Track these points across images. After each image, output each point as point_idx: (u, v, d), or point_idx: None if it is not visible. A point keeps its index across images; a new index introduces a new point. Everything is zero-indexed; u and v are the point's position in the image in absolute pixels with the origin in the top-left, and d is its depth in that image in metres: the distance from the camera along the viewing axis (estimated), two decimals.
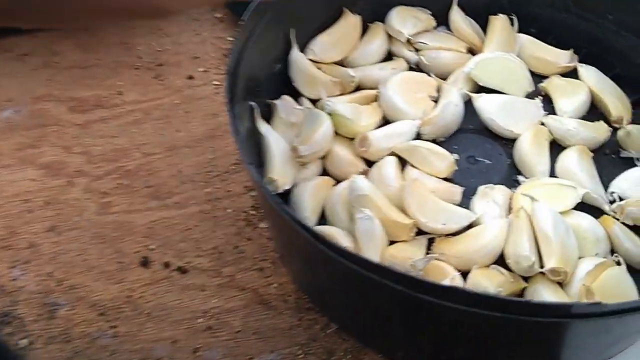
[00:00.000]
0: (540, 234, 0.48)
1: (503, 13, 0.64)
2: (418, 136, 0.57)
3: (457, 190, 0.54)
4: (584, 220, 0.50)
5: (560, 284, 0.48)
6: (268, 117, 0.58)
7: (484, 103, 0.59)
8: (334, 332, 0.51)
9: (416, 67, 0.65)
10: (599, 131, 0.57)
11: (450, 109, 0.57)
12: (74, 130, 0.65)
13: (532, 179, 0.54)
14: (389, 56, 0.65)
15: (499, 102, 0.59)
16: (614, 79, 0.62)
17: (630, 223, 0.51)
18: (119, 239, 0.57)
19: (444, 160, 0.55)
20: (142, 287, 0.54)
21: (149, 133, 0.65)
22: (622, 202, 0.52)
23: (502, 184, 0.55)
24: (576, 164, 0.54)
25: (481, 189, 0.53)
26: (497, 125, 0.58)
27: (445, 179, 0.55)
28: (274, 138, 0.54)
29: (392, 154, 0.55)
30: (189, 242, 0.56)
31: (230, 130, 0.45)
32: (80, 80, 0.69)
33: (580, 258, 0.49)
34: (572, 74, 0.63)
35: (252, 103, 0.54)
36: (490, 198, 0.52)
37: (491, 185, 0.53)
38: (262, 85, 0.57)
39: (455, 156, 0.56)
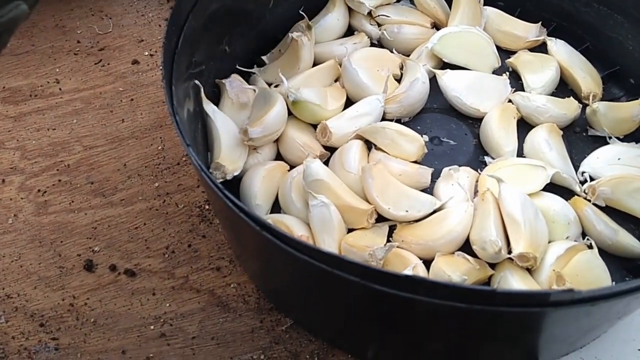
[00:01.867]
0: (507, 217, 0.45)
1: None
2: (382, 116, 0.53)
3: (426, 173, 0.50)
4: (554, 202, 0.47)
5: (529, 270, 0.45)
6: (217, 98, 0.54)
7: (449, 80, 0.55)
8: (298, 333, 0.47)
9: (378, 43, 0.61)
10: (569, 108, 0.54)
11: (417, 87, 0.54)
12: (7, 124, 0.59)
13: (499, 160, 0.51)
14: (349, 31, 0.61)
15: (465, 80, 0.55)
16: (584, 53, 0.59)
17: (602, 204, 0.48)
18: (59, 242, 0.52)
19: (414, 142, 0.51)
20: (86, 294, 0.49)
21: (90, 124, 0.59)
22: (594, 182, 0.49)
23: (469, 166, 0.51)
24: (545, 143, 0.51)
25: (445, 171, 0.50)
26: (463, 103, 0.54)
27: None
28: (222, 120, 0.50)
29: (358, 137, 0.51)
30: (137, 242, 0.52)
31: (169, 109, 0.41)
32: (12, 69, 0.64)
33: (550, 242, 0.46)
34: (541, 48, 0.60)
35: (197, 82, 0.50)
36: (455, 180, 0.49)
37: (456, 166, 0.50)
38: (209, 65, 0.52)
39: (425, 138, 0.52)
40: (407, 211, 0.47)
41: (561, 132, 0.53)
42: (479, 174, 0.50)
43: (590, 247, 0.45)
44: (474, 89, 0.55)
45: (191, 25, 0.48)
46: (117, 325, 0.48)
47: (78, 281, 0.50)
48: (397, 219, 0.47)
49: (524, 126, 0.54)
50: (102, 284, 0.50)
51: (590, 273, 0.44)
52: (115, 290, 0.49)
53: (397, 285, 0.33)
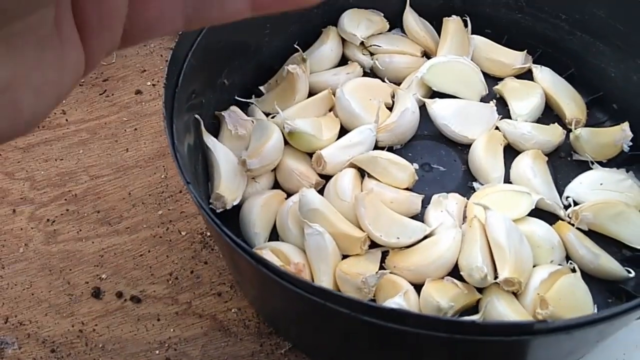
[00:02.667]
0: (493, 243, 0.47)
1: (457, 14, 0.63)
2: (375, 144, 0.56)
3: (416, 200, 0.53)
4: (538, 227, 0.49)
5: (515, 294, 0.47)
6: (217, 130, 0.56)
7: (437, 109, 0.57)
8: (297, 356, 0.49)
9: (370, 72, 0.64)
10: (554, 134, 0.57)
11: (407, 116, 0.56)
12: (16, 155, 0.62)
13: (485, 186, 0.53)
14: (343, 61, 0.64)
15: (453, 107, 0.58)
16: (568, 79, 0.61)
17: (585, 228, 0.51)
18: (68, 270, 0.54)
19: (405, 170, 0.53)
20: (94, 320, 0.51)
21: (96, 154, 0.62)
22: (577, 207, 0.51)
23: (458, 192, 0.54)
24: (530, 169, 0.53)
25: (435, 198, 0.52)
26: (452, 131, 0.57)
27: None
28: (222, 152, 0.53)
29: (352, 165, 0.54)
30: (142, 269, 0.54)
31: (170, 148, 0.44)
32: None
33: (535, 266, 0.48)
34: (527, 75, 0.62)
35: (197, 116, 0.52)
36: (444, 207, 0.51)
37: (444, 194, 0.52)
38: (208, 97, 0.55)
39: (415, 166, 0.55)
40: (398, 238, 0.49)
41: (546, 158, 0.55)
42: (467, 200, 0.52)
43: (573, 270, 0.48)
44: (462, 117, 0.57)
45: (191, 63, 0.51)
46: (124, 350, 0.50)
47: (87, 308, 0.52)
48: (389, 245, 0.49)
49: (511, 152, 0.56)
50: (109, 311, 0.52)
51: (573, 296, 0.46)
52: (122, 316, 0.52)
53: (382, 317, 0.35)
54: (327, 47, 0.62)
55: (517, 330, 0.34)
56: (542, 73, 0.61)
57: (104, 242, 0.56)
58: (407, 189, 0.54)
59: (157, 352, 0.50)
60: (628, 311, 0.36)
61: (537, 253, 0.48)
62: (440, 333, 0.35)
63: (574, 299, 0.46)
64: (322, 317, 0.41)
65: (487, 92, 0.61)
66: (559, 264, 0.49)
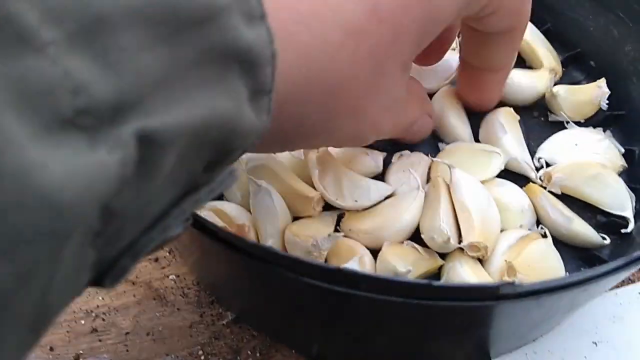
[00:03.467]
0: (458, 205, 0.43)
1: None
2: None
3: (377, 158, 0.48)
4: (507, 189, 0.45)
5: (481, 261, 0.43)
6: None
7: None
8: (240, 328, 0.44)
9: None
10: (541, 78, 0.52)
11: None
12: None
13: (451, 145, 0.49)
14: None
15: None
16: (544, 34, 0.57)
17: (558, 192, 0.47)
18: None
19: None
20: None
21: None
22: (549, 169, 0.47)
23: (422, 151, 0.49)
24: (500, 126, 0.49)
25: (396, 156, 0.47)
26: None
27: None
28: None
29: None
30: None
31: None
32: None
33: (502, 231, 0.44)
34: None
35: None
36: (407, 166, 0.46)
37: (407, 151, 0.47)
38: None
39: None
40: (356, 201, 0.44)
41: (518, 117, 0.51)
42: (432, 159, 0.48)
43: (544, 236, 0.44)
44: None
45: None
46: None
47: None
48: (346, 208, 0.45)
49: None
50: None
51: (543, 263, 0.42)
52: None
53: (332, 280, 0.31)
54: None
55: (480, 294, 0.30)
56: None
57: None
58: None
59: (82, 322, 0.44)
60: (604, 275, 0.32)
61: (505, 217, 0.44)
62: (393, 297, 0.30)
63: (544, 266, 0.42)
64: (266, 284, 0.36)
65: (457, 46, 0.56)
66: (529, 229, 0.45)
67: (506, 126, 0.49)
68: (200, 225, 0.32)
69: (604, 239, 0.45)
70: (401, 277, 0.38)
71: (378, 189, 0.45)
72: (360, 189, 0.45)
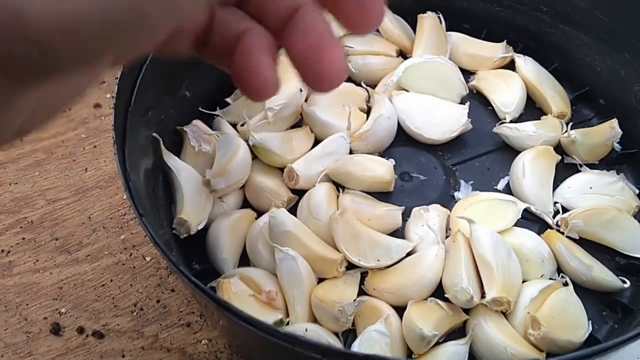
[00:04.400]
0: (479, 259, 0.44)
1: (432, 9, 0.60)
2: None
3: (396, 214, 0.49)
4: (527, 239, 0.46)
5: (504, 314, 0.44)
6: (179, 147, 0.52)
7: (400, 102, 0.54)
8: None
9: None
10: (555, 129, 0.53)
11: (382, 123, 0.53)
12: None
13: (467, 196, 0.50)
14: None
15: (419, 103, 0.54)
16: (552, 74, 0.58)
17: (576, 236, 0.48)
18: (24, 305, 0.50)
19: (383, 164, 0.50)
20: (54, 359, 0.48)
21: (53, 175, 0.57)
22: (566, 215, 0.48)
23: (439, 202, 0.50)
24: (521, 168, 0.50)
25: (415, 210, 0.49)
26: (407, 126, 0.53)
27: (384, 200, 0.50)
28: (184, 172, 0.49)
29: (327, 179, 0.50)
30: (105, 300, 0.50)
31: (120, 177, 0.40)
32: None
33: (524, 281, 0.45)
34: (509, 68, 0.59)
35: (155, 135, 0.48)
36: (425, 221, 0.48)
37: (425, 206, 0.48)
38: (168, 111, 0.51)
39: (392, 161, 0.51)
40: (378, 260, 0.46)
41: (558, 157, 0.51)
42: (449, 212, 0.49)
43: (565, 284, 0.44)
44: (425, 113, 0.54)
45: (145, 76, 0.47)
46: None
47: (45, 346, 0.48)
48: (369, 268, 0.46)
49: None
50: (70, 348, 0.48)
51: (566, 313, 0.43)
52: (83, 353, 0.48)
53: None
54: None
55: None
56: (526, 63, 0.57)
57: (62, 273, 0.52)
58: (386, 198, 0.50)
59: None
60: (633, 339, 0.32)
61: (526, 267, 0.45)
62: None
63: (567, 315, 0.42)
64: (292, 358, 0.37)
65: (468, 91, 0.57)
66: (550, 278, 0.46)
67: (527, 168, 0.50)
68: (229, 309, 0.34)
69: (623, 282, 0.46)
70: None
71: (399, 246, 0.47)
72: (381, 248, 0.46)
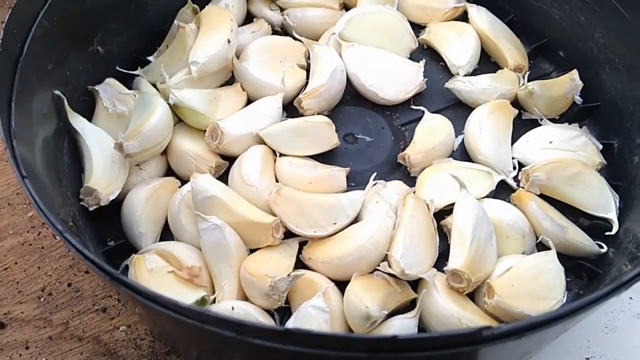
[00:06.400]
0: (456, 228, 0.38)
1: None
2: (297, 115, 0.47)
3: (340, 175, 0.43)
4: (506, 213, 0.41)
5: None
6: (92, 110, 0.46)
7: (351, 55, 0.48)
8: None
9: (281, 30, 0.54)
10: (512, 82, 0.48)
11: (338, 77, 0.47)
12: None
13: (438, 162, 0.44)
14: (248, 18, 0.54)
15: (372, 58, 0.49)
16: (508, 26, 0.53)
17: (537, 192, 0.43)
18: None
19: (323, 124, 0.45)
20: None
21: None
22: (527, 168, 0.43)
23: (387, 164, 0.45)
24: (477, 123, 0.46)
25: (369, 188, 0.42)
26: (361, 84, 0.48)
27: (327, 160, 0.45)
28: (93, 135, 0.43)
29: (260, 141, 0.44)
30: (7, 285, 0.44)
31: (3, 141, 0.33)
32: None
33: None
34: (463, 20, 0.54)
35: (57, 92, 0.42)
36: (381, 198, 0.41)
37: (383, 182, 0.42)
38: (76, 69, 0.44)
39: (328, 120, 0.46)
40: (334, 224, 0.40)
41: (515, 112, 0.47)
42: (412, 189, 0.43)
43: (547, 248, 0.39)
44: (379, 70, 0.48)
45: (42, 25, 0.40)
46: None
47: None
48: (307, 237, 0.40)
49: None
50: None
51: (534, 281, 0.37)
52: None
53: (272, 338, 0.26)
54: (226, 2, 0.52)
55: (462, 340, 0.26)
56: (480, 14, 0.52)
57: None
58: (330, 156, 0.45)
59: None
60: (593, 303, 0.28)
61: (505, 244, 0.40)
62: (358, 353, 0.26)
63: (534, 284, 0.37)
64: (205, 341, 0.32)
65: (417, 45, 0.52)
66: (530, 253, 0.40)
67: (484, 123, 0.45)
68: (129, 286, 0.28)
69: (600, 246, 0.41)
70: (368, 335, 0.33)
71: (351, 201, 0.41)
72: (332, 210, 0.40)
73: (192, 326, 0.27)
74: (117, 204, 0.42)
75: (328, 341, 0.26)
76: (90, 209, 0.41)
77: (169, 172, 0.45)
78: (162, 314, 0.28)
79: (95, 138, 0.43)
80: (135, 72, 0.49)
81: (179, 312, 0.27)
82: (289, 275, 0.37)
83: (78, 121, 0.43)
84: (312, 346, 0.26)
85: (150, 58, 0.50)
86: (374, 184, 0.42)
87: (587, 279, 0.41)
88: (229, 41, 0.46)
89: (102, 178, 0.41)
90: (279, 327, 0.34)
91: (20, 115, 0.36)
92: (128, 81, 0.48)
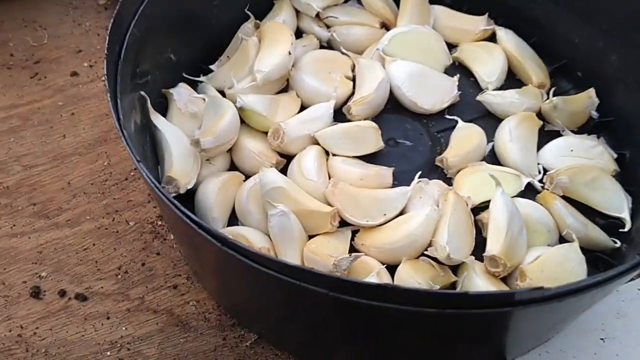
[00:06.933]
0: (493, 220, 0.44)
1: None
2: (344, 120, 0.53)
3: (387, 173, 0.49)
4: (533, 210, 0.47)
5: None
6: (165, 110, 0.52)
7: (394, 69, 0.54)
8: (263, 348, 0.46)
9: (327, 45, 0.60)
10: (536, 97, 0.54)
11: (384, 87, 0.53)
12: None
13: (471, 165, 0.50)
14: (298, 34, 0.60)
15: (412, 71, 0.54)
16: (532, 47, 0.60)
17: (560, 193, 0.49)
18: (1, 269, 0.49)
19: (375, 132, 0.51)
20: (35, 323, 0.46)
21: (29, 142, 0.56)
22: (552, 172, 0.49)
23: (426, 167, 0.51)
24: (508, 132, 0.51)
25: (414, 185, 0.47)
26: (402, 94, 0.54)
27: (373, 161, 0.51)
28: (172, 131, 0.48)
29: (314, 142, 0.50)
30: (87, 264, 0.49)
31: (115, 123, 0.39)
32: None
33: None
34: (490, 40, 0.60)
35: (143, 93, 0.47)
36: (425, 194, 0.47)
37: (426, 179, 0.48)
38: (154, 75, 0.50)
39: (375, 125, 0.51)
40: (385, 215, 0.46)
41: (540, 123, 0.53)
42: (452, 188, 0.49)
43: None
44: (419, 83, 0.54)
45: (134, 34, 0.46)
46: (71, 354, 0.45)
47: (25, 310, 0.47)
48: (374, 226, 0.46)
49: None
50: (51, 312, 0.47)
51: (561, 268, 0.43)
52: (66, 316, 0.47)
53: (367, 294, 0.32)
54: (281, 20, 0.58)
55: (510, 301, 0.32)
56: (507, 35, 0.59)
57: (42, 237, 0.50)
58: (374, 158, 0.51)
59: (108, 353, 0.45)
60: (619, 275, 0.34)
61: (533, 237, 0.45)
62: (428, 308, 0.32)
63: (560, 271, 0.43)
64: (291, 302, 0.37)
65: (451, 62, 0.58)
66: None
67: (514, 132, 0.51)
68: (234, 246, 0.33)
69: (614, 242, 0.47)
70: (435, 289, 0.39)
71: (399, 194, 0.47)
72: (383, 202, 0.46)
73: (291, 284, 0.33)
74: (189, 193, 0.47)
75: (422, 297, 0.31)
76: (170, 196, 0.46)
77: (232, 167, 0.51)
78: (263, 273, 0.33)
79: (172, 134, 0.48)
80: (201, 79, 0.54)
81: (277, 271, 0.32)
82: (350, 255, 0.43)
83: (158, 119, 0.48)
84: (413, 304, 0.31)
85: (212, 67, 0.56)
86: (418, 182, 0.48)
87: (603, 269, 0.47)
88: (289, 53, 0.52)
89: (181, 169, 0.47)
90: (372, 282, 0.39)
91: (122, 110, 0.42)
92: (192, 86, 0.54)
